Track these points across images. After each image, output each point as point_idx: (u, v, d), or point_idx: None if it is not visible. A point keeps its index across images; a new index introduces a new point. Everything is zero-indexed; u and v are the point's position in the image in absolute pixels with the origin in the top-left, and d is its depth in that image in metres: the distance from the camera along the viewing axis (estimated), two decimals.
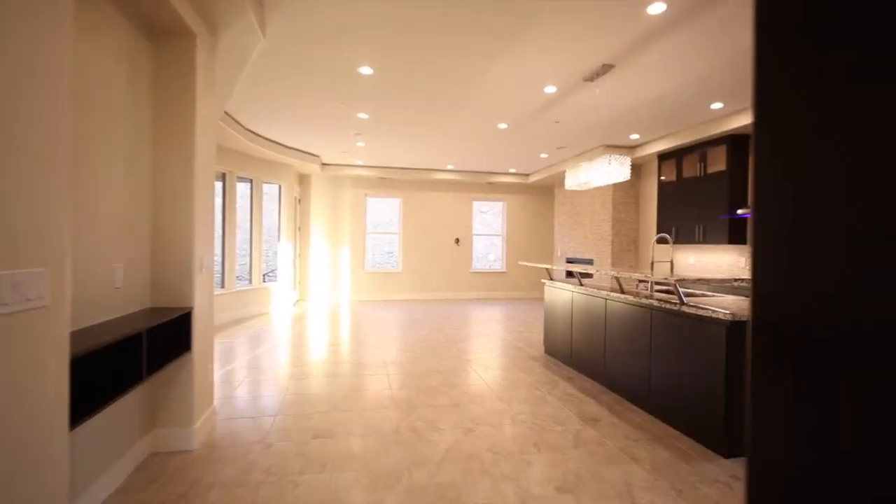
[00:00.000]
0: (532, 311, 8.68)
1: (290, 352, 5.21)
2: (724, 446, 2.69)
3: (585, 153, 7.57)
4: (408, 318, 7.74)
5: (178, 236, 2.67)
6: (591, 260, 8.33)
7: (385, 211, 10.56)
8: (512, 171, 9.79)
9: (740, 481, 2.43)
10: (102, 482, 2.13)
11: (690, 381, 2.95)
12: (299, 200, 9.60)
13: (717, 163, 5.77)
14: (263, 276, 8.15)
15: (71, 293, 1.75)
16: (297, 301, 9.50)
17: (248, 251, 7.84)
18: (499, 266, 10.95)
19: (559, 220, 9.84)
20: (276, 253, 8.57)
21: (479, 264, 10.86)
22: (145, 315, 2.38)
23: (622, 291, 3.83)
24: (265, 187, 8.11)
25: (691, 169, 6.19)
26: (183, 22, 2.55)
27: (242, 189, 7.71)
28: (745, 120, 5.09)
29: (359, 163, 9.15)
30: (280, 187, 8.49)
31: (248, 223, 7.81)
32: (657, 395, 3.26)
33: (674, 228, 6.35)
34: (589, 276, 6.06)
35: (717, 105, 4.99)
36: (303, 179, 9.64)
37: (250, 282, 7.82)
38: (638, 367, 3.48)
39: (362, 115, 5.71)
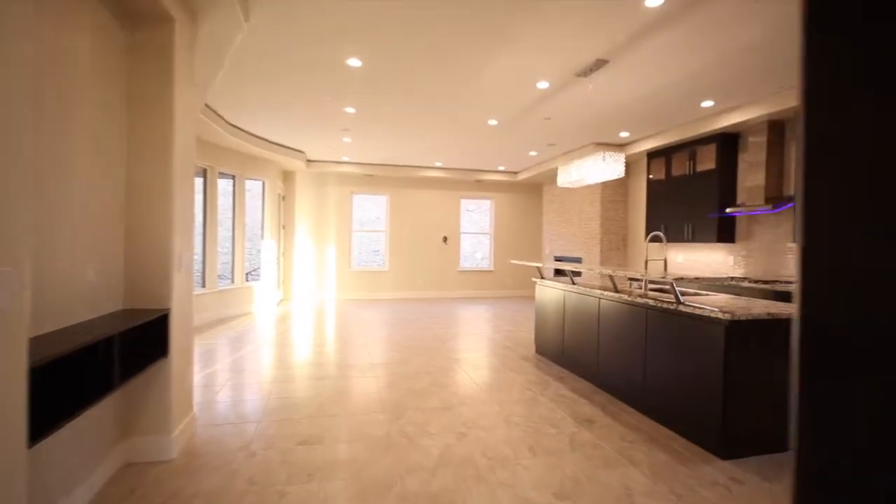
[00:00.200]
0: (520, 309, 8.63)
1: (274, 353, 5.05)
2: (722, 447, 2.65)
3: (575, 151, 7.54)
4: (395, 317, 7.62)
5: (154, 233, 2.52)
6: (580, 258, 8.31)
7: (371, 209, 10.40)
8: (501, 168, 9.72)
9: (740, 484, 2.39)
10: (73, 497, 1.97)
11: (687, 382, 2.90)
12: (283, 197, 9.39)
13: (707, 161, 5.77)
14: (246, 274, 7.93)
15: (32, 295, 1.60)
16: (281, 300, 9.29)
17: (231, 249, 7.62)
18: (486, 264, 10.89)
19: (547, 218, 9.82)
20: (259, 251, 8.35)
21: (466, 263, 10.78)
22: (118, 318, 2.22)
23: (616, 290, 3.78)
24: (248, 184, 7.89)
25: (680, 167, 6.20)
26: (161, 6, 2.39)
27: (225, 185, 7.48)
28: (735, 118, 5.10)
29: (345, 159, 8.98)
30: (264, 184, 8.28)
31: (231, 220, 7.59)
32: (652, 396, 3.22)
33: (663, 226, 6.35)
34: (577, 274, 6.02)
35: (707, 103, 4.98)
36: (287, 176, 9.43)
37: (232, 281, 7.60)
38: (632, 367, 3.43)
39: (349, 110, 5.56)
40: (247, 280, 7.94)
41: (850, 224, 0.60)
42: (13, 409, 1.17)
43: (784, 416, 2.75)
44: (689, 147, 6.00)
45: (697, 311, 2.79)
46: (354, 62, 4.05)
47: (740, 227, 5.58)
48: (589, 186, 7.91)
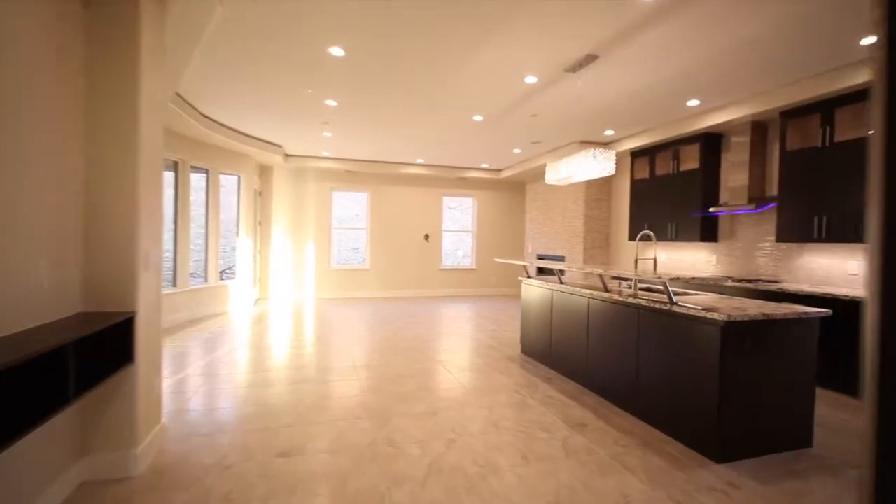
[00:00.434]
0: (503, 308, 8.56)
1: (250, 356, 4.82)
2: (717, 451, 2.59)
3: (559, 149, 7.49)
4: (376, 316, 7.44)
5: (118, 229, 2.30)
6: (563, 257, 8.29)
7: (351, 206, 10.16)
8: (484, 166, 9.62)
9: (737, 489, 2.33)
10: None
11: (681, 384, 2.84)
12: (260, 193, 9.07)
13: (690, 161, 5.79)
14: (220, 273, 7.61)
15: None
16: (258, 300, 8.98)
17: (204, 246, 7.30)
18: (468, 263, 10.79)
19: (530, 216, 9.77)
20: (234, 249, 8.04)
21: (448, 261, 10.66)
22: (76, 322, 2.01)
23: (607, 290, 3.71)
24: (223, 178, 7.57)
25: (664, 166, 6.21)
26: None
27: (198, 180, 7.15)
28: (719, 118, 5.11)
29: (325, 154, 8.72)
30: (239, 179, 7.96)
31: (204, 216, 7.26)
32: (644, 398, 3.15)
33: (646, 226, 6.36)
34: (561, 272, 5.96)
35: (693, 102, 4.97)
36: (264, 171, 9.11)
37: (206, 279, 7.28)
38: (623, 368, 3.36)
39: (331, 103, 5.35)
40: (221, 279, 7.62)
41: None
42: None
43: (778, 418, 2.72)
44: (672, 146, 6.01)
45: (692, 312, 2.73)
46: (337, 51, 3.86)
47: (723, 227, 5.62)
48: (573, 185, 7.88)
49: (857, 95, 3.93)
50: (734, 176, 5.20)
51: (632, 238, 6.73)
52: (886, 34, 0.51)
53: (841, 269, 4.32)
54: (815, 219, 4.25)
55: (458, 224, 10.85)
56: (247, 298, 8.07)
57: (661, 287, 3.84)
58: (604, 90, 4.69)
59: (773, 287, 4.32)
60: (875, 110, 0.53)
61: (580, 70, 4.09)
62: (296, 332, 6.14)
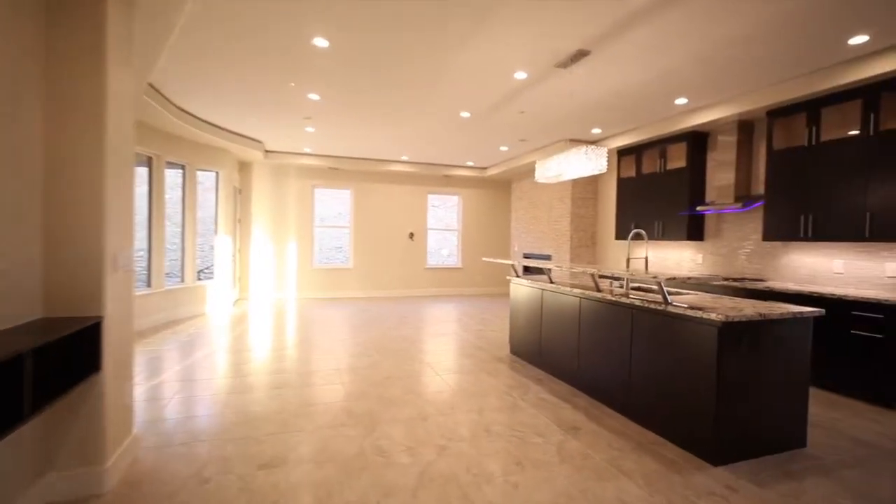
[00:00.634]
0: (489, 307, 8.49)
1: (229, 359, 4.62)
2: (714, 453, 2.55)
3: (546, 147, 7.44)
4: (360, 317, 7.28)
5: (83, 227, 2.12)
6: (549, 256, 8.26)
7: (333, 204, 9.95)
8: (469, 164, 9.53)
9: (735, 492, 2.28)
10: None
11: (676, 385, 2.79)
12: (239, 190, 8.80)
13: (677, 159, 5.79)
14: (198, 273, 7.34)
15: None
16: (238, 300, 8.71)
17: (181, 245, 7.02)
18: (453, 262, 10.69)
19: (516, 215, 9.72)
20: (212, 248, 7.77)
21: (433, 260, 10.54)
22: (34, 329, 1.83)
23: (598, 289, 3.65)
24: (200, 175, 7.29)
25: (651, 165, 6.21)
26: None
27: (174, 176, 6.88)
28: (706, 117, 5.11)
29: (307, 150, 8.51)
30: (217, 175, 7.69)
31: (181, 214, 6.99)
32: (637, 399, 3.10)
33: (633, 224, 6.35)
34: (540, 271, 5.91)
35: (681, 100, 4.96)
36: (243, 167, 8.84)
37: (183, 280, 7.01)
38: (616, 369, 3.30)
39: (313, 97, 5.18)
40: (199, 279, 7.35)
41: None
42: None
43: (774, 418, 2.69)
44: (659, 145, 6.01)
45: (689, 313, 2.68)
46: (321, 42, 3.70)
47: (709, 225, 5.64)
48: (559, 184, 7.85)
49: (844, 95, 3.95)
50: (721, 175, 5.22)
51: (618, 237, 6.72)
52: None
53: (826, 268, 4.36)
54: (802, 218, 4.28)
55: (442, 223, 10.74)
56: (226, 299, 7.81)
57: (654, 287, 3.81)
58: (594, 87, 4.63)
59: (759, 286, 4.34)
60: None
61: (571, 66, 4.02)
62: (277, 333, 5.95)
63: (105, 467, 2.16)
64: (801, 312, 2.67)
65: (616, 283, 4.05)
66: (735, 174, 5.03)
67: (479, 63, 4.09)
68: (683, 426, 2.74)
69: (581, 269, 3.40)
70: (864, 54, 3.66)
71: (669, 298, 2.92)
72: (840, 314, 3.69)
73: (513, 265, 5.01)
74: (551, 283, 4.22)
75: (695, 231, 5.62)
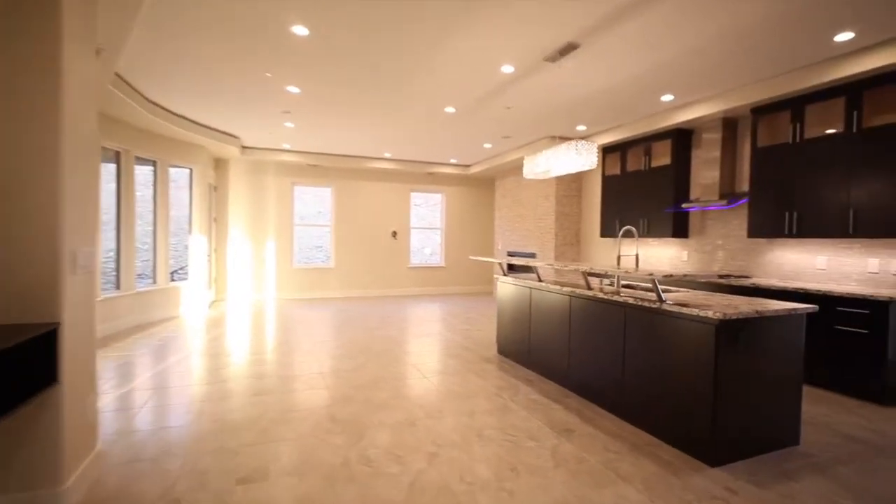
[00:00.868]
0: (474, 306, 8.39)
1: (205, 364, 4.40)
2: (711, 454, 2.49)
3: (530, 144, 7.38)
4: (343, 318, 7.09)
5: (35, 225, 1.92)
6: (534, 254, 8.21)
7: (313, 202, 9.71)
8: (453, 161, 9.41)
9: (735, 494, 2.22)
10: None
11: (671, 385, 2.73)
12: (215, 188, 8.48)
13: (662, 157, 5.79)
14: (171, 273, 7.03)
15: None
16: (214, 302, 8.40)
17: (152, 245, 6.71)
18: (436, 260, 10.56)
19: (500, 213, 9.65)
20: (186, 247, 7.45)
21: (416, 259, 10.39)
22: None
23: (589, 288, 3.58)
24: (173, 171, 6.98)
25: (636, 162, 6.20)
26: None
27: (145, 173, 6.56)
28: (691, 114, 5.11)
29: (286, 147, 8.25)
30: (191, 172, 7.38)
31: (152, 213, 6.67)
32: (630, 399, 3.03)
33: (618, 222, 6.34)
34: (529, 269, 5.84)
35: (667, 97, 4.94)
36: (219, 164, 8.53)
37: (155, 281, 6.70)
38: (609, 369, 3.23)
39: (293, 90, 4.98)
40: (172, 280, 7.04)
41: None
42: None
43: (768, 417, 2.66)
44: (644, 142, 6.00)
45: (684, 311, 2.61)
46: (300, 30, 3.52)
47: (693, 223, 5.66)
48: (543, 181, 7.80)
49: (829, 92, 3.98)
50: (705, 172, 5.23)
51: (603, 234, 6.70)
52: None
53: (810, 264, 4.39)
54: (786, 214, 4.30)
55: (425, 221, 10.61)
56: (201, 300, 7.51)
57: (646, 284, 3.75)
58: (581, 83, 4.56)
59: (745, 282, 4.34)
60: None
61: (560, 60, 3.94)
62: (256, 336, 5.72)
63: (62, 489, 1.96)
64: (795, 309, 2.63)
65: (606, 281, 3.99)
66: (720, 171, 5.05)
67: (466, 56, 3.97)
68: (679, 427, 2.68)
69: (574, 267, 3.31)
70: (849, 52, 3.67)
71: (664, 297, 2.86)
72: (825, 310, 3.71)
73: (500, 263, 4.91)
74: (540, 281, 4.14)
75: (680, 228, 5.62)
